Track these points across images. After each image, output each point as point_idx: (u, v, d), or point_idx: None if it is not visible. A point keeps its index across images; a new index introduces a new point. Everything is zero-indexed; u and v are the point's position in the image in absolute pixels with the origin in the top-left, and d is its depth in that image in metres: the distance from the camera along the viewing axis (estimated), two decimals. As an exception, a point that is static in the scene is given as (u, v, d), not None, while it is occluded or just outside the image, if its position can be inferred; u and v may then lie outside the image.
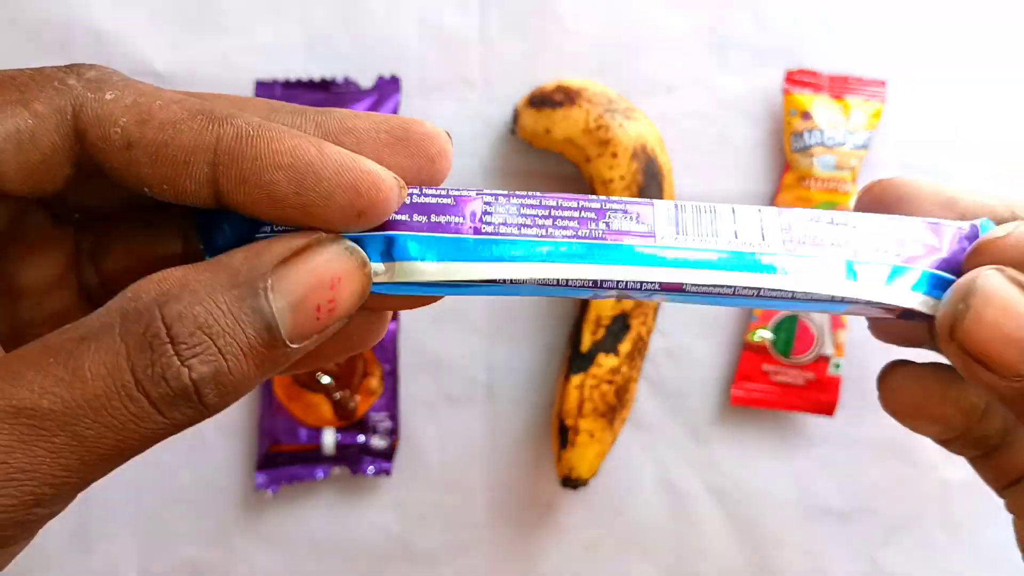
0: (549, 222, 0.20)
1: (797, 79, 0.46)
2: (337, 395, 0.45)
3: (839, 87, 0.46)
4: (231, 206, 0.17)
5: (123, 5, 0.45)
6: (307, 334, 0.17)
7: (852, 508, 0.48)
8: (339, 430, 0.45)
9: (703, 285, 0.19)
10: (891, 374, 0.22)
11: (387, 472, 0.46)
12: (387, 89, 0.45)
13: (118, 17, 0.45)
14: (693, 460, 0.48)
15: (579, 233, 0.20)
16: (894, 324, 0.23)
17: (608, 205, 0.20)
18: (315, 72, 0.45)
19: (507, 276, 0.19)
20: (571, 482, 0.45)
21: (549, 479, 0.47)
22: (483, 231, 0.19)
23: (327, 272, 0.17)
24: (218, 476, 0.46)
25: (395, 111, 0.45)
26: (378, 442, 0.46)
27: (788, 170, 0.46)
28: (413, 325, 0.47)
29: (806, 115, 0.45)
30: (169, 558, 0.46)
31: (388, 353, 0.46)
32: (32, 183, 0.17)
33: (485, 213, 0.19)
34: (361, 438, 0.46)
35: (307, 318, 0.17)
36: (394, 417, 0.46)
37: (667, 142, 0.45)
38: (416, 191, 0.20)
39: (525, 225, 0.19)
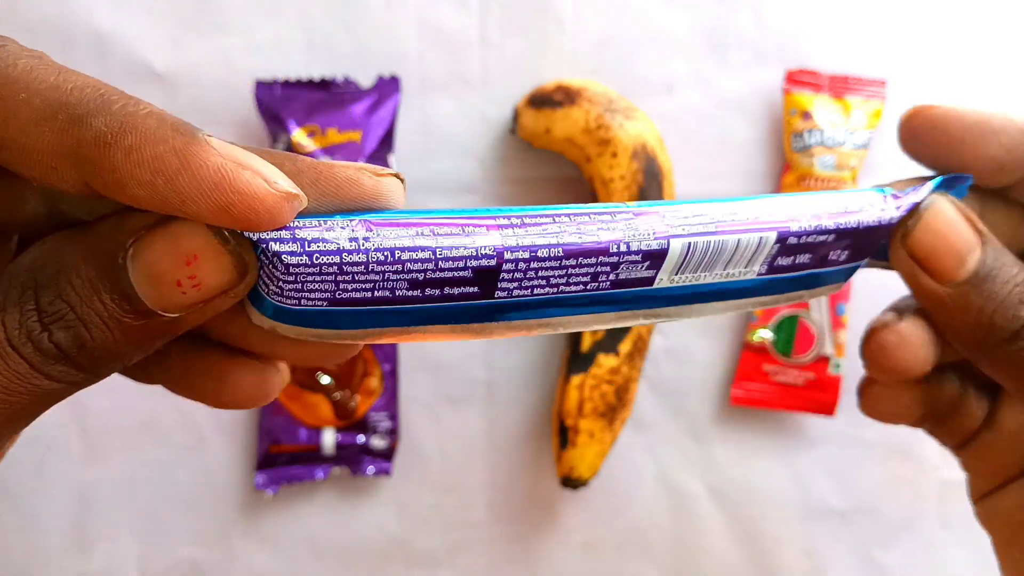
0: (563, 278, 0.19)
1: (797, 79, 0.46)
2: (337, 395, 0.45)
3: (839, 87, 0.46)
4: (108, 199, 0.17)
5: (123, 5, 0.45)
6: (178, 306, 0.17)
7: (852, 508, 0.48)
8: (339, 430, 0.45)
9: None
10: (870, 388, 0.26)
11: (387, 472, 0.46)
12: (387, 89, 0.45)
13: (118, 17, 0.45)
14: (693, 460, 0.48)
15: (588, 287, 0.20)
16: (885, 398, 0.26)
17: (626, 259, 0.20)
18: (315, 72, 0.45)
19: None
20: (571, 482, 0.45)
21: (549, 479, 0.47)
22: (496, 296, 0.19)
23: (182, 249, 0.17)
24: (218, 476, 0.46)
25: (395, 111, 0.45)
26: (378, 442, 0.46)
27: (788, 170, 0.46)
28: (413, 325, 0.47)
29: (806, 115, 0.45)
30: (169, 558, 0.46)
31: (388, 353, 0.46)
32: None
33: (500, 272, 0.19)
34: (361, 438, 0.46)
35: (170, 291, 0.17)
36: (394, 417, 0.46)
37: (667, 142, 0.45)
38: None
39: (538, 286, 0.19)
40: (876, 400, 0.25)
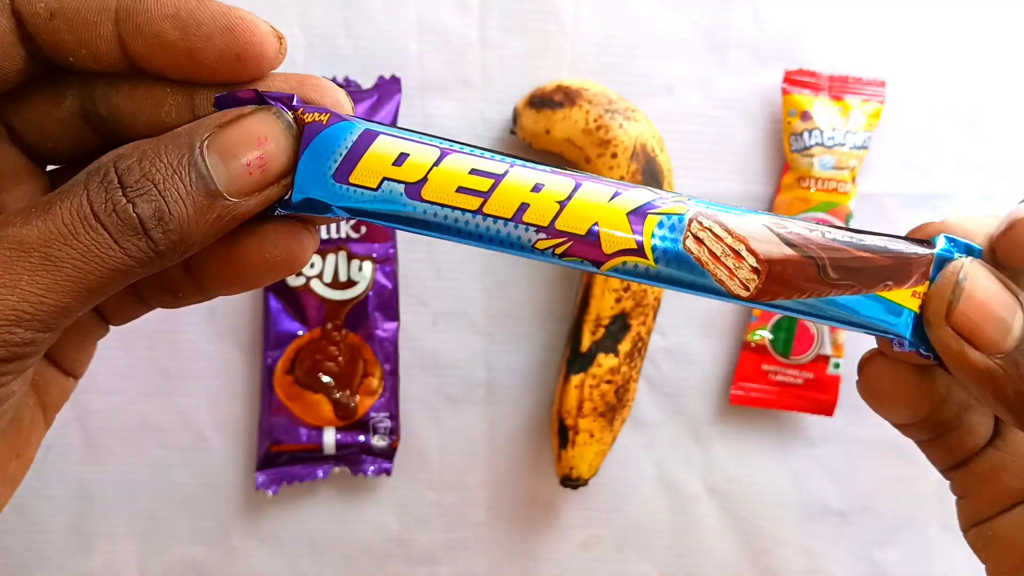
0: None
1: (796, 79, 0.46)
2: (337, 395, 0.45)
3: (839, 87, 0.46)
4: (136, 61, 0.21)
5: (123, 5, 0.45)
6: (243, 188, 0.20)
7: (852, 508, 0.48)
8: (339, 430, 0.46)
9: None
10: (871, 363, 0.24)
11: (387, 472, 0.46)
12: (387, 89, 0.45)
13: (118, 17, 0.45)
14: (693, 460, 0.48)
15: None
16: (887, 376, 0.24)
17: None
18: (315, 72, 0.45)
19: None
20: (571, 482, 0.45)
21: (549, 479, 0.47)
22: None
23: (254, 131, 0.20)
24: (218, 476, 0.47)
25: (396, 111, 0.45)
26: (378, 442, 0.46)
27: (787, 170, 0.46)
28: (413, 325, 0.47)
29: (805, 115, 0.45)
30: (169, 558, 0.46)
31: (388, 353, 0.46)
32: None
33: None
34: (361, 438, 0.46)
35: (239, 172, 0.20)
36: (394, 417, 0.46)
37: (667, 142, 0.45)
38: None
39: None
40: (876, 378, 0.24)
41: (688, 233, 0.20)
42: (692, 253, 0.20)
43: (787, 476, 0.48)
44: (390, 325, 0.46)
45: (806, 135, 0.45)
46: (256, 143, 0.20)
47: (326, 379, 0.45)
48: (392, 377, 0.46)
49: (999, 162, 0.47)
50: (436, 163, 0.21)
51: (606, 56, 0.46)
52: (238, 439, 0.47)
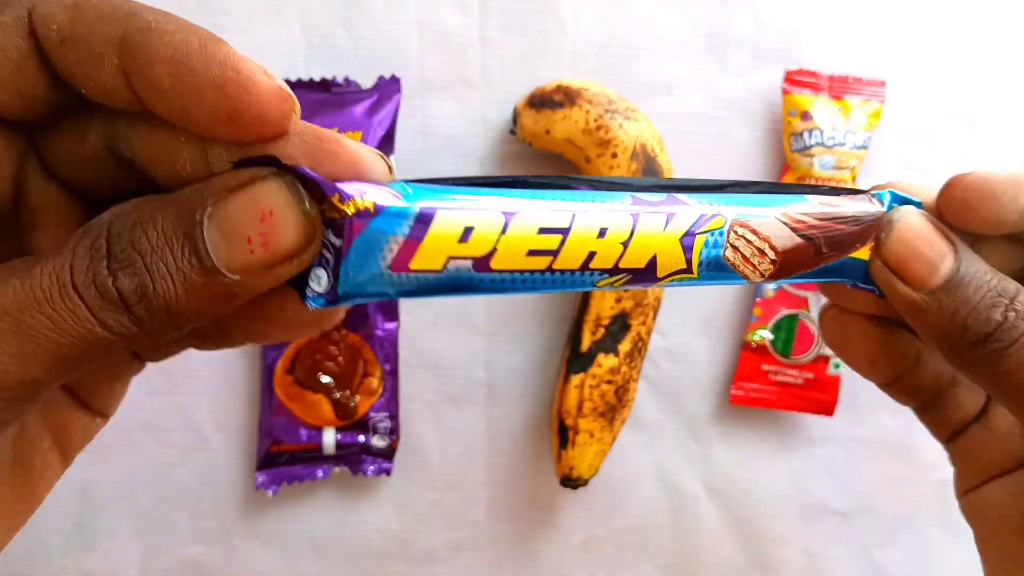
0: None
1: (796, 79, 0.46)
2: (337, 395, 0.45)
3: (839, 87, 0.46)
4: (144, 104, 0.18)
5: (124, 5, 0.45)
6: (244, 266, 0.17)
7: (852, 508, 0.48)
8: (339, 430, 0.46)
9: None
10: (827, 312, 0.26)
11: (387, 472, 0.46)
12: (387, 89, 0.45)
13: (119, 17, 0.45)
14: (693, 460, 0.48)
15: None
16: (845, 322, 0.26)
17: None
18: (315, 72, 0.45)
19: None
20: (571, 482, 0.45)
21: (549, 479, 0.47)
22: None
23: (258, 203, 0.17)
24: (218, 476, 0.47)
25: (396, 112, 0.45)
26: (378, 442, 0.46)
27: (787, 170, 0.46)
28: (413, 325, 0.47)
29: (805, 115, 0.45)
30: (169, 558, 0.47)
31: (388, 353, 0.46)
32: (16, 90, 0.18)
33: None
34: (361, 438, 0.46)
35: (240, 249, 0.17)
36: (394, 417, 0.46)
37: (667, 142, 0.45)
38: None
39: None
40: (833, 323, 0.26)
41: (727, 244, 0.21)
42: (729, 261, 0.22)
43: (787, 476, 0.48)
44: (390, 325, 0.46)
45: (806, 135, 0.45)
46: (258, 218, 0.17)
47: (326, 379, 0.45)
48: (392, 377, 0.46)
49: (999, 162, 0.47)
50: (503, 231, 0.19)
51: (606, 56, 0.46)
52: (238, 439, 0.47)
